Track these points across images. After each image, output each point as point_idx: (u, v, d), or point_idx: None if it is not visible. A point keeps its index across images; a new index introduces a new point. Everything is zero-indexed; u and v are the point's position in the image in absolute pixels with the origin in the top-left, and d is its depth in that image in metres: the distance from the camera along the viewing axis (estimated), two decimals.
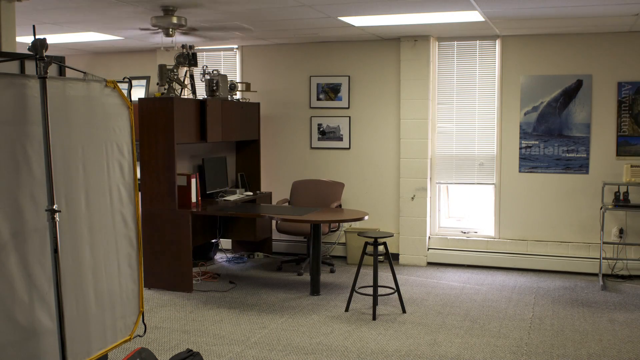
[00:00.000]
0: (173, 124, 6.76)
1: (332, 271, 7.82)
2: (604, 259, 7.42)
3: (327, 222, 7.30)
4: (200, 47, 8.78)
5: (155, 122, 6.85)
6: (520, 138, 7.94)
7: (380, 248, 6.22)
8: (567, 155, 7.79)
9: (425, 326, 5.80)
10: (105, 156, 4.03)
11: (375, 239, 6.15)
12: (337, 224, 8.04)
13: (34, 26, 3.49)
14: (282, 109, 8.87)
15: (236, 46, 9.00)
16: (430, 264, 8.25)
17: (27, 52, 3.43)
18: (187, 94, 7.54)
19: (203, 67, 7.69)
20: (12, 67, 3.72)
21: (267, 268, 8.09)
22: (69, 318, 3.59)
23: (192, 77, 7.53)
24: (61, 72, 4.03)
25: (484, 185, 8.20)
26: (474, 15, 6.59)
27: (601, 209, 7.42)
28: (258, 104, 8.66)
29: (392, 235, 6.48)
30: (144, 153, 6.96)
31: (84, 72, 3.84)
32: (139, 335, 4.36)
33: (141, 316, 4.38)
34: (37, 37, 3.34)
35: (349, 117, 8.59)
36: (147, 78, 9.06)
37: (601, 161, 7.69)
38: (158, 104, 6.86)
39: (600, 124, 7.68)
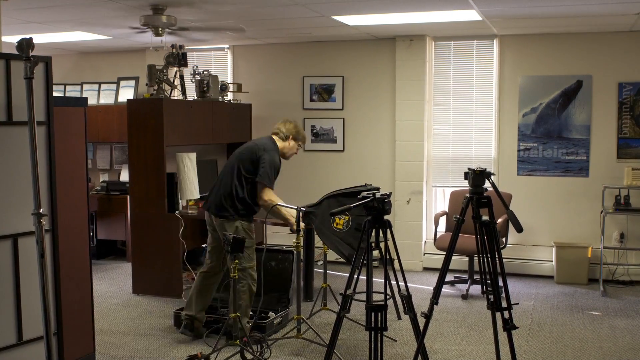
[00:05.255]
0: (162, 126, 6.77)
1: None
2: (604, 264, 7.45)
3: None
4: (190, 47, 8.79)
5: (144, 123, 6.85)
6: (519, 140, 7.97)
7: (375, 253, 6.22)
8: (566, 157, 7.83)
9: None
10: None
11: (370, 243, 6.16)
12: None
13: None
14: (274, 110, 8.88)
15: (227, 46, 9.02)
16: (426, 269, 8.28)
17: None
18: (177, 94, 7.56)
19: (193, 68, 7.70)
20: None
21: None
22: None
23: (182, 77, 7.55)
24: (47, 72, 4.04)
25: None
26: (471, 15, 6.62)
27: (601, 212, 7.44)
28: (250, 105, 8.68)
29: (388, 240, 6.50)
30: (133, 155, 6.97)
31: None
32: None
33: None
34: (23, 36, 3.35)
35: (343, 118, 8.61)
36: (136, 79, 9.06)
37: (601, 164, 7.73)
38: (147, 105, 6.88)
39: (601, 126, 7.72)
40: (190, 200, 7.29)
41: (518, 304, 6.30)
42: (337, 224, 5.26)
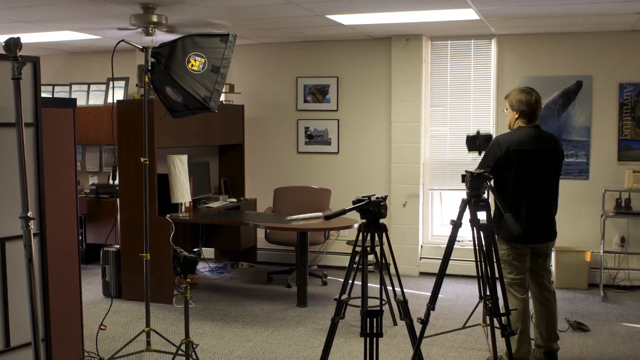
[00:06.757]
0: (153, 127, 6.77)
1: (324, 283, 7.80)
2: (604, 268, 7.47)
3: (314, 230, 7.32)
4: None
5: (134, 125, 6.85)
6: None
7: (371, 257, 6.23)
8: (566, 160, 7.82)
9: None
10: None
11: (365, 247, 6.17)
12: (326, 232, 8.03)
13: None
14: (267, 111, 8.90)
15: None
16: (422, 274, 8.30)
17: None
18: None
19: None
20: None
21: (251, 278, 8.10)
22: None
23: None
24: (35, 72, 4.05)
25: None
26: (468, 14, 6.64)
27: (602, 216, 7.47)
28: (242, 106, 8.69)
29: (383, 244, 6.51)
30: (122, 157, 6.97)
31: None
32: None
33: None
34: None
35: (338, 120, 8.63)
36: (126, 79, 9.06)
37: (602, 166, 7.76)
38: (137, 106, 6.87)
39: (601, 127, 7.75)
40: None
41: (516, 309, 6.31)
42: (192, 65, 5.17)
